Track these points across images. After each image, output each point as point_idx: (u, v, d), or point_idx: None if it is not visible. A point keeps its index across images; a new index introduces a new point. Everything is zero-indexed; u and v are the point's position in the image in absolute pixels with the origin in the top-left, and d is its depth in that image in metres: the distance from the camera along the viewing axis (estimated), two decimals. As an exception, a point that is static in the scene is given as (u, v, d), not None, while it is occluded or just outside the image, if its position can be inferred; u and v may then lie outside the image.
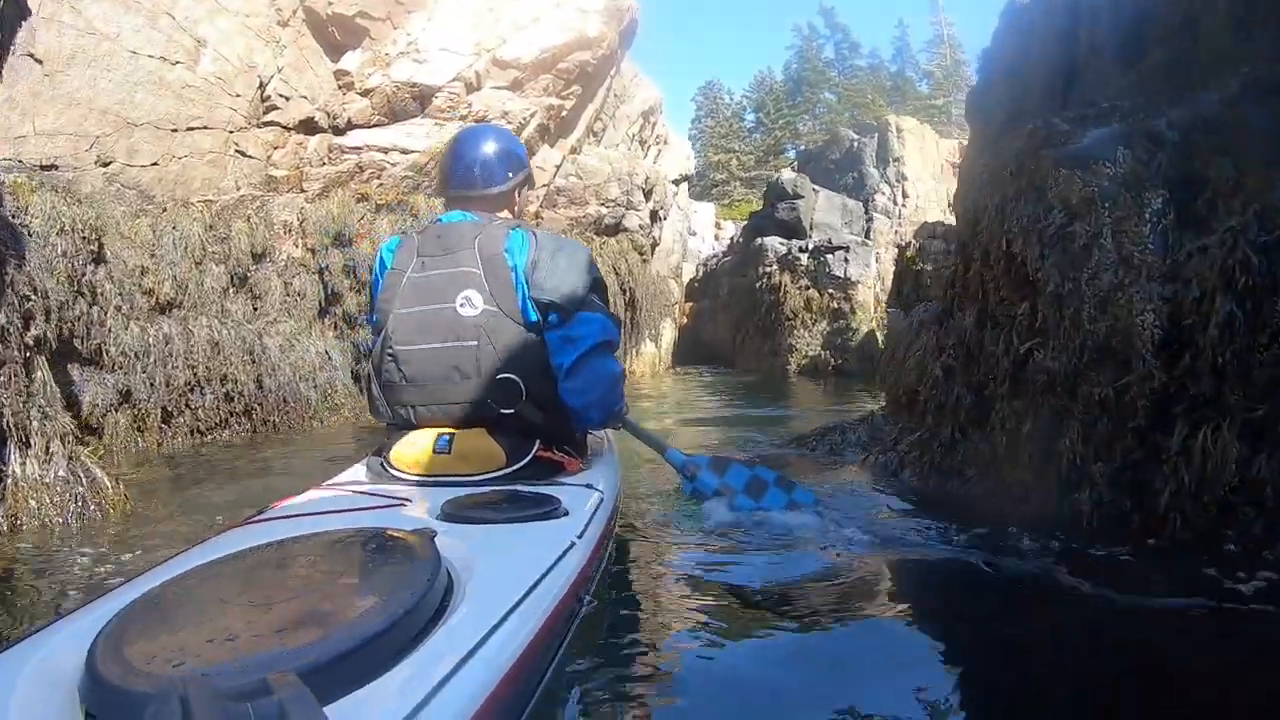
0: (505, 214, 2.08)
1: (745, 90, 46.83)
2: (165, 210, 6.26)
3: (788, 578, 2.02)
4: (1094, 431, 2.21)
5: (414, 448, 1.85)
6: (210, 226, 6.22)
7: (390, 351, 1.88)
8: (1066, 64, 5.46)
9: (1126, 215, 2.27)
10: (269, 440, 5.08)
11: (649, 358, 12.02)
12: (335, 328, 6.89)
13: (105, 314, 4.60)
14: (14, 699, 0.84)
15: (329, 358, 6.27)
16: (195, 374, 4.87)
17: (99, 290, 4.57)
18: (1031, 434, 2.41)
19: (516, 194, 2.12)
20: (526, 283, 1.86)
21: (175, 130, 7.12)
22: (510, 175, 2.07)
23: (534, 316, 1.87)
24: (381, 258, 2.01)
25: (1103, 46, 4.02)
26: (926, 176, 20.12)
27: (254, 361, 5.16)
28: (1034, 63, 5.80)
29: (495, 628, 1.03)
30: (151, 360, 4.70)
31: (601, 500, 1.75)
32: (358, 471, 1.99)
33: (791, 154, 39.93)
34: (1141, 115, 2.53)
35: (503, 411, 1.82)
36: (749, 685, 1.45)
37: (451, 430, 1.85)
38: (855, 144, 19.24)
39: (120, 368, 4.60)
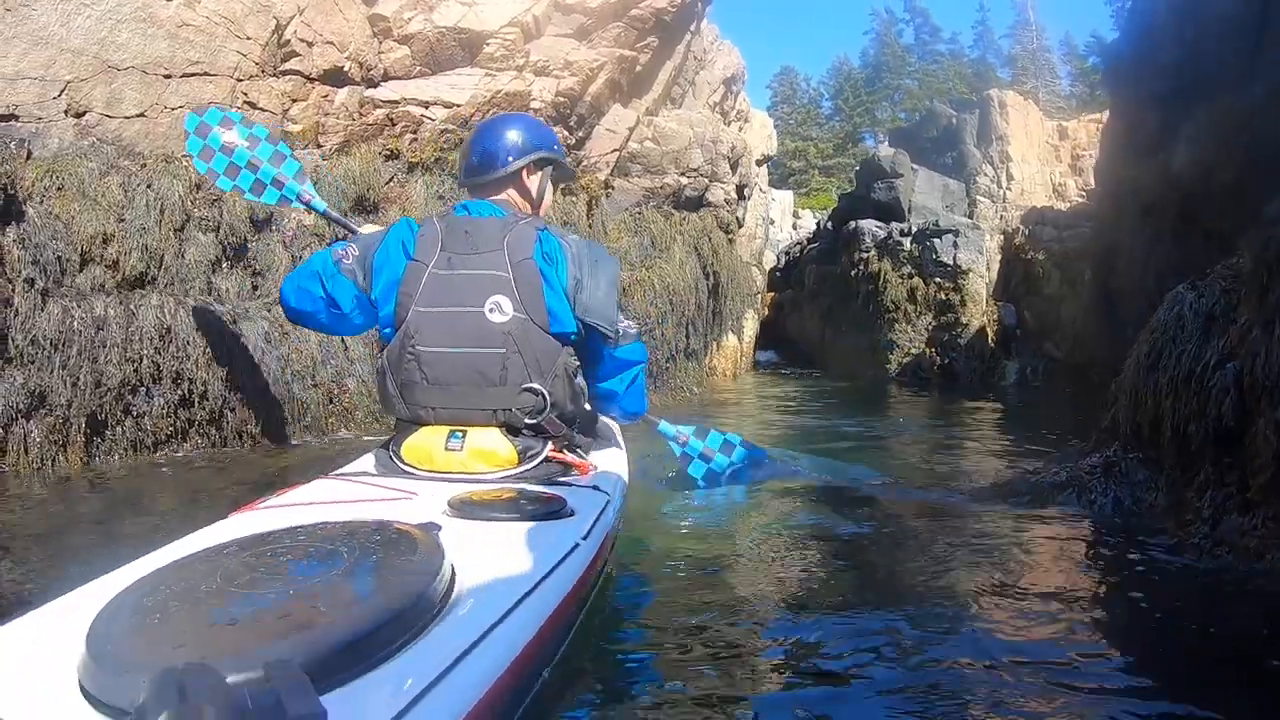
0: (513, 196, 2.00)
1: (822, 77, 45.12)
2: (144, 166, 4.99)
3: (796, 580, 1.93)
4: None
5: (425, 442, 1.81)
6: (197, 186, 4.94)
7: (412, 351, 1.81)
8: None
9: None
10: (238, 459, 3.71)
11: (730, 351, 10.44)
12: (356, 314, 5.55)
13: (13, 289, 3.30)
14: (10, 677, 0.83)
15: (344, 348, 4.91)
16: (138, 370, 3.52)
17: (4, 257, 3.28)
18: None
19: (526, 177, 2.01)
20: (569, 300, 1.85)
21: (169, 76, 5.89)
22: (512, 159, 1.97)
23: (560, 328, 1.83)
24: (399, 238, 1.89)
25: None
26: (1032, 158, 18.03)
27: (224, 353, 3.79)
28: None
29: (496, 624, 1.03)
30: (75, 352, 3.38)
31: (608, 503, 1.74)
32: (366, 462, 1.92)
33: (869, 142, 37.81)
34: None
35: (527, 422, 1.78)
36: (749, 690, 1.36)
37: (465, 428, 1.81)
38: (954, 120, 17.26)
39: (33, 362, 3.29)
